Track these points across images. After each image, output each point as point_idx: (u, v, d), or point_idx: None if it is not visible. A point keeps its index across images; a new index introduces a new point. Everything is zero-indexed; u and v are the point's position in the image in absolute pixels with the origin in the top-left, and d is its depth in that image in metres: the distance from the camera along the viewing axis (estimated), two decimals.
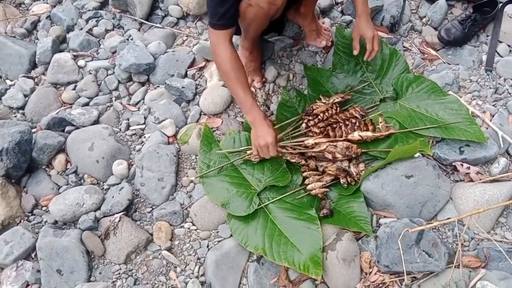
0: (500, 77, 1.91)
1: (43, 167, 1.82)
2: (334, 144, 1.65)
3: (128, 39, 2.20)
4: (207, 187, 1.69)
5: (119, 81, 2.06)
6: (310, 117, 1.74)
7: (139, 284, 1.58)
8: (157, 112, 1.91)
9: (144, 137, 1.90)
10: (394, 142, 1.68)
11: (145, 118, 1.95)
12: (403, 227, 1.45)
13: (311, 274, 1.45)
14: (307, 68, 1.96)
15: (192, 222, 1.68)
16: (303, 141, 1.69)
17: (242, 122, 1.88)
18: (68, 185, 1.78)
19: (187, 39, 2.20)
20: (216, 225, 1.65)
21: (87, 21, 2.31)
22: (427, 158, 1.66)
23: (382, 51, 1.88)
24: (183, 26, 2.25)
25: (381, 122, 1.72)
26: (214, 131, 1.85)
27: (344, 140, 1.67)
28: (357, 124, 1.72)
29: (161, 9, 2.29)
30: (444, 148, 1.67)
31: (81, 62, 2.12)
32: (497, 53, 1.97)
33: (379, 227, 1.57)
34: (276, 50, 2.05)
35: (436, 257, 1.43)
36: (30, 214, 1.73)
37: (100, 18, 2.32)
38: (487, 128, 1.72)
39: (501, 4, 2.01)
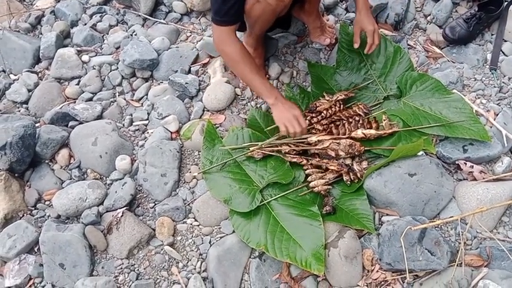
0: (504, 76, 1.90)
1: (46, 161, 1.82)
2: (338, 141, 1.65)
3: (131, 35, 2.20)
4: (210, 183, 1.69)
5: (122, 76, 2.06)
6: (314, 115, 1.74)
7: (141, 278, 1.58)
8: (160, 108, 1.91)
9: (147, 132, 1.90)
10: (398, 140, 1.68)
11: (148, 114, 1.95)
12: (405, 225, 1.45)
13: (313, 270, 1.45)
14: (311, 65, 1.95)
15: (194, 218, 1.68)
16: (306, 138, 1.68)
17: (245, 119, 1.87)
18: (71, 179, 1.79)
19: (191, 35, 2.19)
20: (218, 221, 1.66)
21: (91, 16, 2.31)
22: (431, 156, 1.66)
23: (386, 48, 1.88)
24: (186, 22, 2.25)
25: (384, 120, 1.71)
26: (218, 127, 1.85)
27: (347, 138, 1.67)
28: (361, 122, 1.72)
29: (165, 5, 2.29)
30: (448, 146, 1.67)
31: (85, 57, 2.13)
32: (502, 52, 1.96)
33: (382, 224, 1.57)
34: (280, 47, 2.05)
35: (439, 255, 1.43)
36: (33, 208, 1.74)
37: (104, 13, 2.32)
38: (491, 127, 1.72)
39: (506, 3, 2.00)
